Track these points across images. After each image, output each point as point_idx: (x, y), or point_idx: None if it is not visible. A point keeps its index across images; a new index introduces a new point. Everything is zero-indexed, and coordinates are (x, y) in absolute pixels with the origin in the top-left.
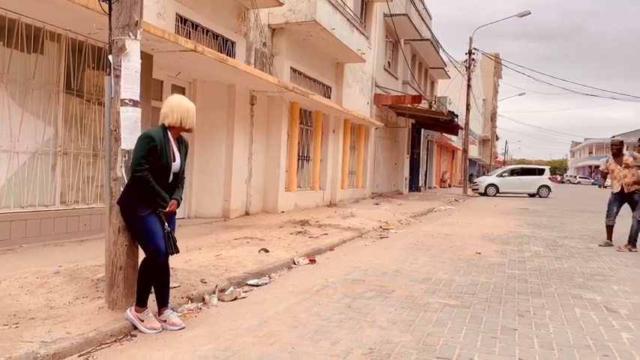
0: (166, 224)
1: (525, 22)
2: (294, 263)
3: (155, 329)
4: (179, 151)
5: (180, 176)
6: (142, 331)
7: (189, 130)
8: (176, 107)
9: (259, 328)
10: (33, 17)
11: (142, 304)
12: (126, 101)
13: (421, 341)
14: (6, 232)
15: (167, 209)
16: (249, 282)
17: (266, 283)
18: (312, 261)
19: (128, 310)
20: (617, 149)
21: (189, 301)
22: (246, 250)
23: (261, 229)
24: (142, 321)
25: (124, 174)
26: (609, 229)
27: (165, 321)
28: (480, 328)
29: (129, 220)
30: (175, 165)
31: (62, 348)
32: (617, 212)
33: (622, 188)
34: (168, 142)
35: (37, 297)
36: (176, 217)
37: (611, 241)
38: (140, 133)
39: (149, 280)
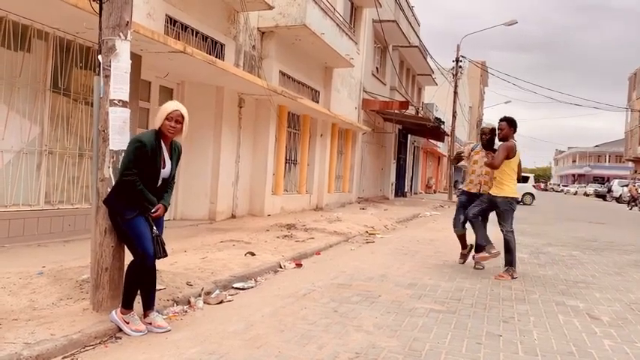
0: (154, 228)
1: (511, 34)
2: (281, 267)
3: (140, 332)
4: (170, 157)
5: (169, 181)
6: (127, 334)
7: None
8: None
9: (245, 332)
10: (20, 15)
11: (128, 306)
12: (115, 102)
13: (407, 346)
14: None
15: (154, 214)
16: (235, 285)
17: (252, 287)
18: (299, 265)
19: (113, 312)
20: (488, 139)
21: (175, 304)
22: (232, 253)
23: (247, 232)
24: (128, 323)
25: (112, 175)
26: (461, 238)
27: (150, 323)
28: (465, 333)
29: (117, 223)
30: (165, 171)
31: (46, 349)
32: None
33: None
34: (160, 148)
35: (20, 298)
36: (164, 219)
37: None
38: (128, 134)
39: (136, 283)
